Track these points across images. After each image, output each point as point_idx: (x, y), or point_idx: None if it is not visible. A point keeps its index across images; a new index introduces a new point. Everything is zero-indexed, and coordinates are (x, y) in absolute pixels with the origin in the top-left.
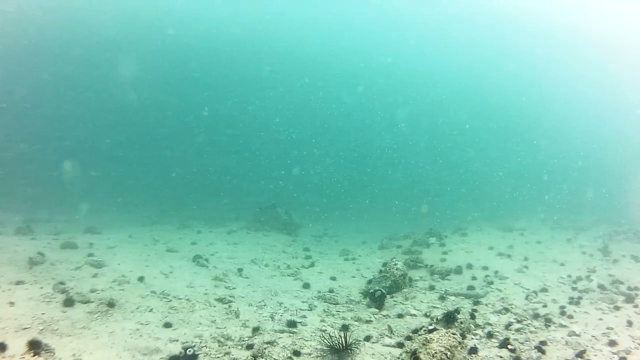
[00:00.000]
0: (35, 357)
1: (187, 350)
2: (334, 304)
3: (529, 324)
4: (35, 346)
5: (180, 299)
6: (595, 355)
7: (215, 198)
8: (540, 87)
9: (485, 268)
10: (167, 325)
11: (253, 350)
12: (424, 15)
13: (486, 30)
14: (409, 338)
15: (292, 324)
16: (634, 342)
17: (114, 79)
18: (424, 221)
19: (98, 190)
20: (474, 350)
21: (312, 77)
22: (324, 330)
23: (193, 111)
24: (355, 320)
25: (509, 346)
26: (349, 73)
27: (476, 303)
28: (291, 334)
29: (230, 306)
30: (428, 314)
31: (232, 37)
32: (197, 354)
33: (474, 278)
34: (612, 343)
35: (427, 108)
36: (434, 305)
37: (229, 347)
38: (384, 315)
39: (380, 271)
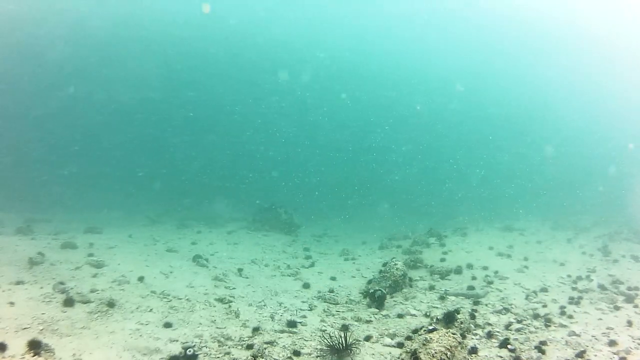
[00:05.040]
0: (35, 357)
1: (187, 350)
2: (334, 304)
3: (529, 324)
4: (35, 346)
5: (180, 299)
6: (595, 355)
7: (215, 198)
8: (540, 87)
9: (485, 268)
10: (167, 325)
11: (253, 350)
12: (422, 14)
13: (484, 28)
14: (409, 338)
15: (292, 324)
16: (634, 342)
17: (114, 79)
18: (424, 221)
19: (98, 189)
20: (474, 350)
21: (310, 77)
22: (324, 330)
23: (192, 111)
24: (355, 320)
25: (509, 346)
26: (347, 72)
27: (476, 303)
28: (291, 334)
29: (230, 306)
30: (428, 314)
31: (229, 36)
32: (197, 354)
33: (473, 278)
34: (612, 343)
35: (426, 107)
36: (434, 305)
37: (229, 347)
38: (384, 315)
39: (380, 271)
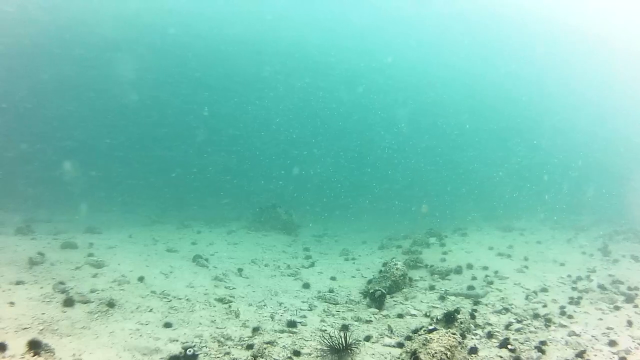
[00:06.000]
0: (35, 357)
1: (187, 350)
2: (334, 304)
3: (529, 324)
4: (35, 346)
5: (180, 299)
6: (595, 355)
7: (215, 198)
8: (540, 87)
9: (485, 268)
10: (167, 325)
11: (253, 350)
12: (423, 15)
13: (486, 29)
14: (409, 338)
15: (292, 324)
16: (634, 342)
17: (114, 79)
18: (424, 221)
19: (98, 190)
20: (474, 350)
21: (312, 77)
22: (324, 330)
23: (193, 111)
24: (355, 320)
25: (509, 346)
26: (349, 73)
27: (476, 303)
28: (291, 334)
29: (230, 306)
30: (428, 314)
31: (233, 37)
32: (197, 354)
33: (474, 278)
34: (612, 343)
35: (427, 108)
36: (434, 305)
37: (229, 347)
38: (384, 315)
39: (380, 271)
